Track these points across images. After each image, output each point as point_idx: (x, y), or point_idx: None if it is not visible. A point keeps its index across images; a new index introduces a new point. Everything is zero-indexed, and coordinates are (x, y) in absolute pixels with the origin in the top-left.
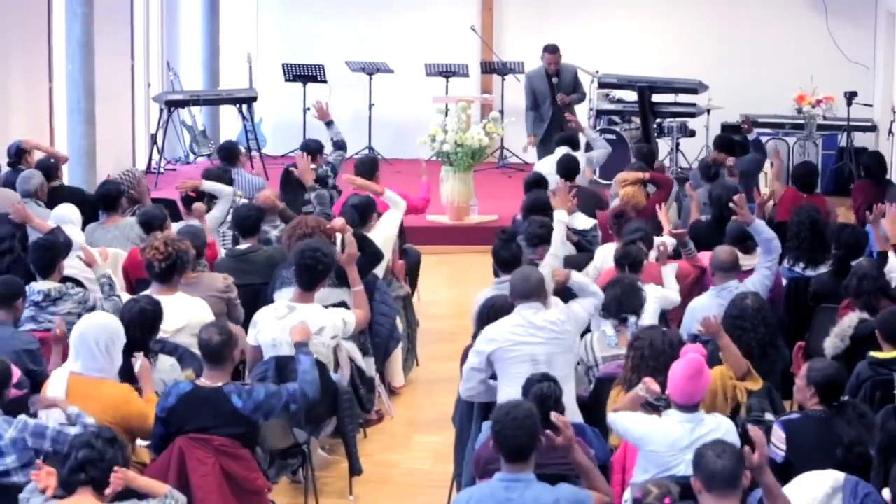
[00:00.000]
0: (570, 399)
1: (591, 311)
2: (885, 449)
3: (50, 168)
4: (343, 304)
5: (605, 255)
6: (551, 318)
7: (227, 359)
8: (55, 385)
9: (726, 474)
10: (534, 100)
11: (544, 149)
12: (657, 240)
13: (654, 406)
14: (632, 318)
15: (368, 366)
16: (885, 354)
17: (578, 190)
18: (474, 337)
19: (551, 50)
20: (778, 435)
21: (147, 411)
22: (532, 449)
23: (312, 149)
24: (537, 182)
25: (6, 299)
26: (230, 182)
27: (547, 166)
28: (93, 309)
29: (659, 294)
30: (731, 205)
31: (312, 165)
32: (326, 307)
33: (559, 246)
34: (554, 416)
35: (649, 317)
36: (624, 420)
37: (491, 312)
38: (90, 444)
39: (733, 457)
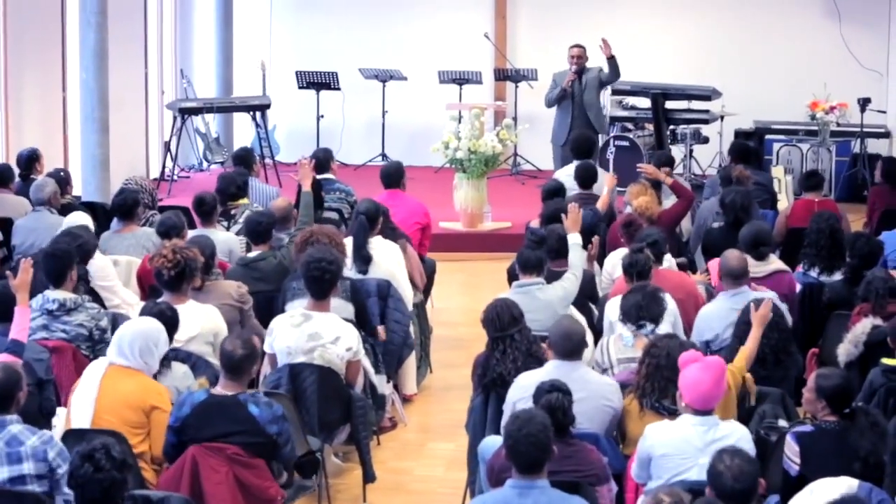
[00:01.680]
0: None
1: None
2: None
3: (60, 182)
4: (352, 321)
5: (616, 263)
6: (592, 383)
7: (246, 372)
8: (91, 372)
9: (741, 492)
10: (561, 95)
11: (564, 152)
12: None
13: (671, 411)
14: (650, 326)
15: (380, 382)
16: None
17: (594, 198)
18: (489, 345)
19: (576, 45)
20: (792, 448)
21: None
22: (545, 462)
23: (320, 159)
24: (556, 191)
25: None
26: (245, 186)
27: (566, 175)
28: (104, 328)
29: (674, 308)
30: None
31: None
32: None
33: (579, 266)
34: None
35: (665, 327)
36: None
37: (495, 314)
38: (92, 481)
39: (749, 478)
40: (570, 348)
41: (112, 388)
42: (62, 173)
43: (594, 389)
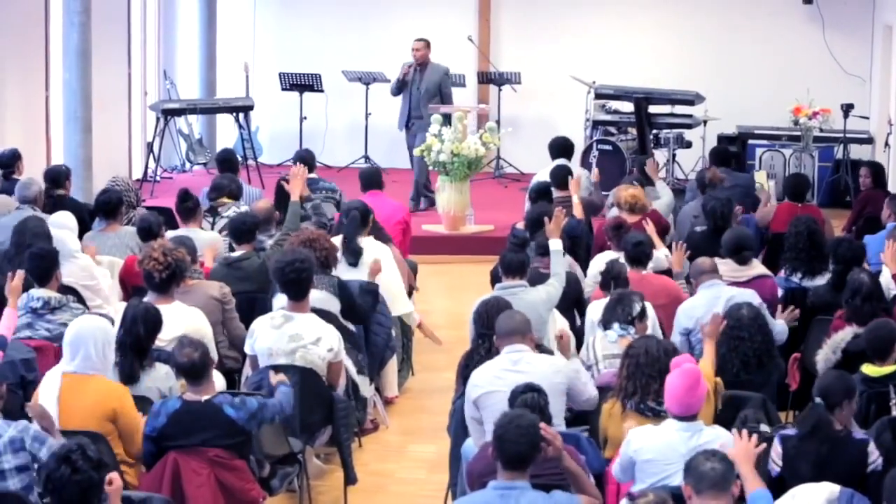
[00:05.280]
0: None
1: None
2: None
3: (59, 175)
4: (337, 317)
5: (602, 265)
6: (536, 362)
7: (210, 368)
8: (48, 386)
9: (715, 476)
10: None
11: (408, 132)
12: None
13: (656, 412)
14: (618, 326)
15: (363, 383)
16: (877, 371)
17: (570, 199)
18: (474, 341)
19: (417, 40)
20: (776, 450)
21: (138, 420)
22: (532, 459)
23: (307, 160)
24: (543, 192)
25: None
26: (239, 190)
27: (544, 176)
28: None
29: (652, 314)
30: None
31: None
32: (325, 312)
33: (561, 273)
34: (543, 426)
35: (648, 330)
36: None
37: (485, 311)
38: (70, 483)
39: (723, 461)
40: (513, 325)
41: (72, 401)
42: (64, 167)
43: (540, 369)
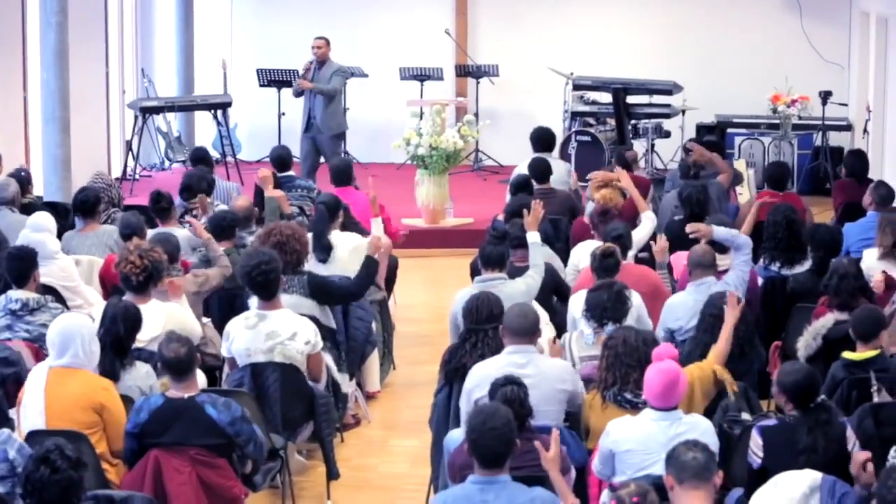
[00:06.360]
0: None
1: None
2: (862, 448)
3: (22, 182)
4: (313, 318)
5: (581, 256)
6: (544, 367)
7: (195, 365)
8: (34, 380)
9: (697, 466)
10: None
11: (305, 134)
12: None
13: (633, 404)
14: (611, 325)
15: (343, 380)
16: (859, 356)
17: (553, 192)
18: (461, 336)
19: (318, 37)
20: (756, 441)
21: (124, 415)
22: (508, 456)
23: (282, 157)
24: (524, 185)
25: None
26: (211, 185)
27: (523, 169)
28: None
29: (639, 302)
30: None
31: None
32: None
33: (540, 264)
34: (555, 434)
35: (629, 323)
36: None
37: (475, 306)
38: (50, 483)
39: (704, 451)
40: (527, 326)
41: (59, 392)
42: (23, 173)
43: (547, 375)
